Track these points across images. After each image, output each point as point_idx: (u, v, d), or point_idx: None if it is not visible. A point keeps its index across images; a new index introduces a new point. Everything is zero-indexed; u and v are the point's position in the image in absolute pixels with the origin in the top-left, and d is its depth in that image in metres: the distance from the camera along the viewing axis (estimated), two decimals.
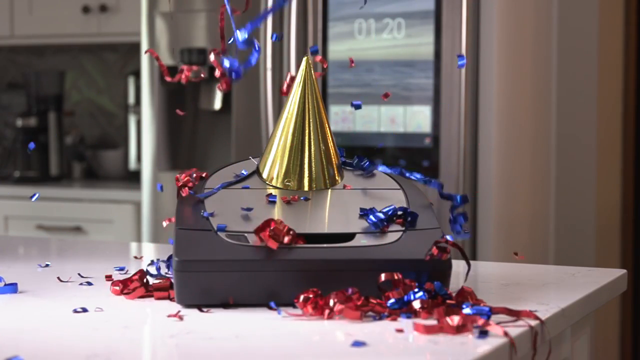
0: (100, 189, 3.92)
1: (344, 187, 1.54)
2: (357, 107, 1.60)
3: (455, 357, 1.17)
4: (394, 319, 1.31)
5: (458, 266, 1.79)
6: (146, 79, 3.33)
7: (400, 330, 1.25)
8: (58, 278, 1.61)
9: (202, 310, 1.36)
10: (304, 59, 1.55)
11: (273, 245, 1.35)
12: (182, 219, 1.44)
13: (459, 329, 1.23)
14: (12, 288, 1.50)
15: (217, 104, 3.28)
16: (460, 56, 1.58)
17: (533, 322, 1.29)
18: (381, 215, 1.43)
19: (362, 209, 1.46)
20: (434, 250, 1.36)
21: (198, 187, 1.52)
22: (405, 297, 1.34)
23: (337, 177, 1.54)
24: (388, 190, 1.54)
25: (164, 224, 1.57)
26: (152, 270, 1.58)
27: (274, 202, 1.47)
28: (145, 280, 1.47)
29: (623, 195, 3.65)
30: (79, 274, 1.64)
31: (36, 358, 1.13)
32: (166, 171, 3.33)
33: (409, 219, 1.44)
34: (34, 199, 1.74)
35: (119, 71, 4.41)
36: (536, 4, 3.22)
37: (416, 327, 1.23)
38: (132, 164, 4.22)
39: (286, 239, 1.37)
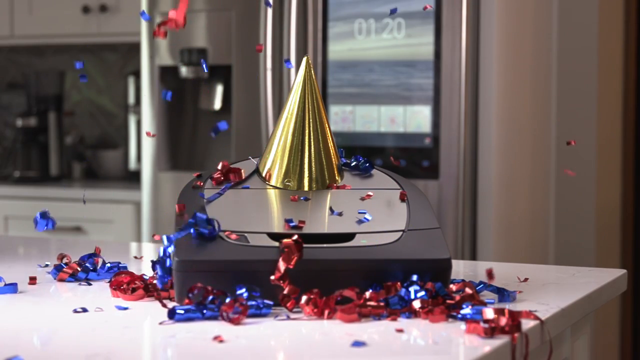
0: (100, 189, 3.92)
1: (344, 187, 1.53)
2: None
3: (455, 357, 1.18)
4: (394, 319, 1.31)
5: (458, 266, 1.79)
6: (146, 79, 3.33)
7: (400, 330, 1.25)
8: (58, 278, 1.61)
9: None
10: (304, 58, 1.55)
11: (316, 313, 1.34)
12: (182, 219, 1.44)
13: (513, 329, 1.22)
14: (12, 288, 1.50)
15: (217, 104, 3.27)
16: None
17: (532, 323, 1.29)
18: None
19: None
20: None
21: (197, 187, 1.52)
22: (406, 297, 1.34)
23: (337, 177, 1.54)
24: (388, 190, 1.54)
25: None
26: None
27: (295, 228, 1.44)
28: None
29: (623, 195, 3.65)
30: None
31: (36, 358, 1.13)
32: (166, 171, 3.33)
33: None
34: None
35: (119, 71, 4.41)
36: (536, 4, 3.22)
37: (468, 328, 1.23)
38: (132, 164, 4.22)
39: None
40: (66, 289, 1.54)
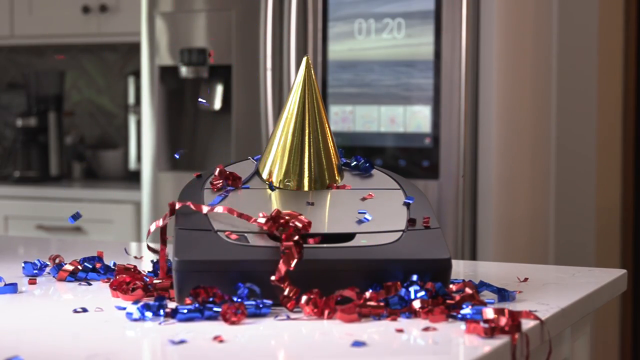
0: (100, 189, 3.92)
1: (344, 187, 1.53)
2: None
3: (455, 357, 1.18)
4: (394, 319, 1.31)
5: (458, 266, 1.79)
6: (146, 79, 3.33)
7: (400, 330, 1.25)
8: (58, 277, 1.61)
9: None
10: (304, 58, 1.55)
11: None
12: (182, 219, 1.43)
13: (513, 329, 1.22)
14: (12, 288, 1.50)
15: (217, 104, 3.27)
16: None
17: (532, 323, 1.29)
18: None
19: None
20: None
21: (196, 186, 1.52)
22: (406, 297, 1.34)
23: (337, 177, 1.54)
24: (388, 191, 1.53)
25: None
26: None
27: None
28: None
29: (623, 195, 3.65)
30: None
31: (36, 358, 1.13)
32: (166, 171, 3.33)
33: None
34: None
35: (119, 71, 4.41)
36: (536, 4, 3.22)
37: (468, 328, 1.23)
38: (132, 164, 4.22)
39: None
40: (66, 289, 1.54)
